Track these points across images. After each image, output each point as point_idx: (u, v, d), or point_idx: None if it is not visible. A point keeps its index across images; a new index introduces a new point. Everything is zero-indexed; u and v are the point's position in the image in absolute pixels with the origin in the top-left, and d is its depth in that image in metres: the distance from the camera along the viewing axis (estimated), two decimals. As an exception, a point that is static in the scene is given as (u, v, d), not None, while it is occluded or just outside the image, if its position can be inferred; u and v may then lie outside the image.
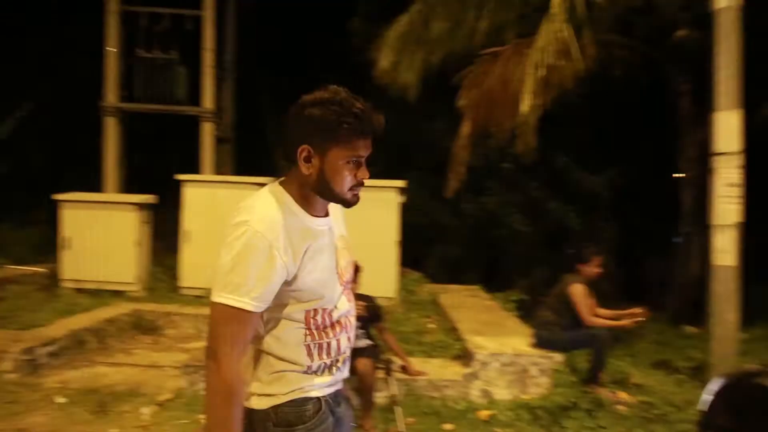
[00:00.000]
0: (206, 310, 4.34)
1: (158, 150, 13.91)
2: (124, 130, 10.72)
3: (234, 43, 12.98)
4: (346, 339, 1.60)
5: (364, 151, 1.48)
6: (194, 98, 10.72)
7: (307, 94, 1.51)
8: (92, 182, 9.96)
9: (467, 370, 4.38)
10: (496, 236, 8.51)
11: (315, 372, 1.53)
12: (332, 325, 1.55)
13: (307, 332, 1.51)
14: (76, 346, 5.06)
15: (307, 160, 1.47)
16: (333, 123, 1.42)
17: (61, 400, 4.23)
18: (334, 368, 1.57)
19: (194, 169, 10.30)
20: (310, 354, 1.52)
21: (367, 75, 8.39)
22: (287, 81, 13.46)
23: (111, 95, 10.45)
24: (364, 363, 4.03)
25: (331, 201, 1.55)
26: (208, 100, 10.65)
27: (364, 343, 4.27)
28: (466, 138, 7.28)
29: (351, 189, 1.51)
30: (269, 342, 1.51)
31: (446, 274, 8.78)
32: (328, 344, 1.54)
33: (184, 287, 7.31)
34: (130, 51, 10.52)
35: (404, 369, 4.42)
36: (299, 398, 1.51)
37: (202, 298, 6.91)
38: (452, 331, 5.33)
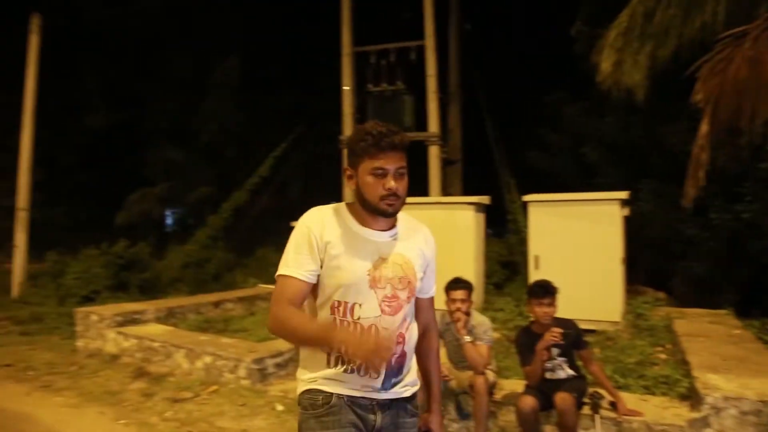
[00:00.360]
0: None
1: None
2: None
3: (457, 66, 13.30)
4: None
5: (387, 163, 1.72)
6: (422, 124, 11.21)
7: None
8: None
9: (694, 415, 3.63)
10: (757, 250, 7.04)
11: (331, 364, 1.77)
12: (354, 324, 1.76)
13: (333, 324, 1.76)
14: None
15: (350, 178, 1.81)
16: (355, 142, 1.76)
17: (279, 407, 4.68)
18: (349, 367, 1.76)
19: (424, 191, 10.73)
20: None
21: (592, 82, 7.83)
22: (511, 99, 13.32)
23: (347, 129, 11.51)
24: (563, 397, 3.62)
25: (371, 211, 1.78)
26: (433, 125, 11.02)
27: (565, 373, 3.85)
28: (705, 138, 6.21)
29: (383, 199, 1.74)
30: None
31: (694, 295, 7.58)
32: None
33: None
34: (360, 87, 11.51)
35: (614, 406, 3.86)
36: (313, 389, 1.79)
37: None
38: (683, 364, 4.51)
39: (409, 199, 6.35)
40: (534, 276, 6.34)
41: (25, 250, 11.13)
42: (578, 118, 10.13)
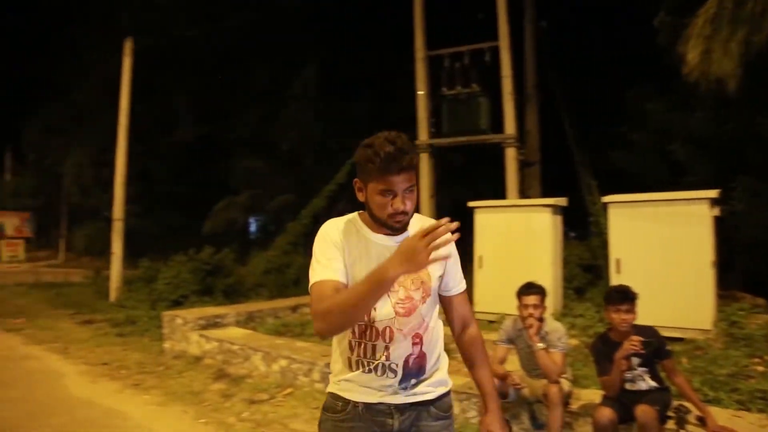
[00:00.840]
0: (495, 336, 4.26)
1: (472, 179, 14.72)
2: (436, 164, 11.64)
3: (533, 66, 12.99)
4: (383, 348, 1.79)
5: (395, 185, 1.70)
6: (498, 126, 11.02)
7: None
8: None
9: (796, 434, 3.31)
10: None
11: (352, 367, 1.82)
12: (370, 327, 1.79)
13: (352, 328, 1.80)
14: (371, 364, 5.60)
15: (360, 190, 1.80)
16: (363, 163, 1.73)
17: (351, 412, 4.70)
18: (367, 368, 1.80)
19: (501, 194, 10.53)
20: (351, 348, 1.82)
21: (678, 75, 7.43)
22: (590, 97, 12.82)
23: (422, 133, 11.52)
24: (644, 410, 3.39)
25: (379, 225, 1.79)
26: (509, 126, 10.80)
27: (647, 385, 3.62)
28: (807, 129, 5.72)
29: (391, 217, 1.74)
30: (335, 337, 1.88)
31: (799, 302, 6.96)
32: (365, 345, 1.80)
33: (478, 312, 7.44)
34: (435, 91, 11.47)
35: (703, 422, 3.58)
36: (335, 393, 1.86)
37: (494, 323, 6.93)
38: (784, 378, 4.13)
39: (485, 202, 6.27)
40: (615, 280, 6.06)
41: (121, 257, 11.88)
42: (663, 114, 9.60)
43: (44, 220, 28.39)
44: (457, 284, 1.96)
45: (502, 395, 4.01)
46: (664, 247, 6.10)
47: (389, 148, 1.67)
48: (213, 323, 7.19)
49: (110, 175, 12.85)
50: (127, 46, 12.37)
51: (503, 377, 3.96)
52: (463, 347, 1.98)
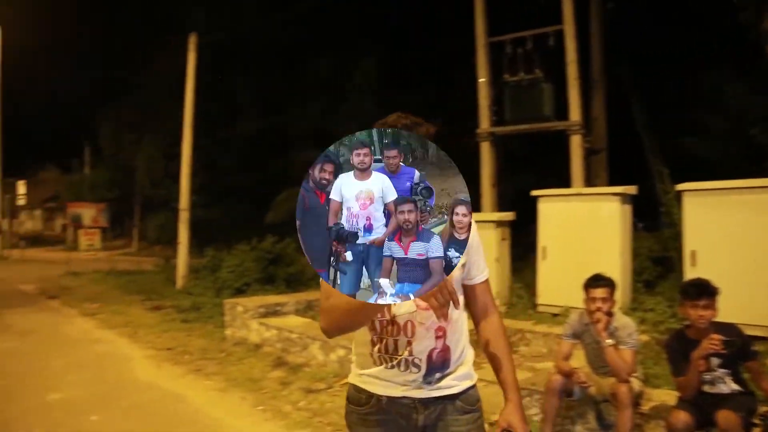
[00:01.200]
0: (559, 329, 4.06)
1: (535, 168, 14.31)
2: (498, 153, 11.34)
3: (600, 49, 12.41)
4: (405, 343, 1.73)
5: None
6: (562, 113, 10.63)
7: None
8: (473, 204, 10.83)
9: None
10: None
11: (376, 362, 1.77)
12: (391, 323, 1.73)
13: (373, 324, 1.75)
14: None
15: None
16: None
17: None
18: (390, 364, 1.75)
19: (566, 183, 10.16)
20: (372, 343, 1.78)
21: (761, 54, 6.91)
22: (662, 80, 12.16)
23: (484, 121, 11.23)
24: (726, 416, 3.12)
25: None
26: (574, 113, 10.38)
27: (728, 388, 3.33)
28: None
29: None
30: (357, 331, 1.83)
31: None
32: (387, 341, 1.75)
33: (541, 304, 7.20)
34: (497, 78, 11.15)
35: (792, 428, 3.28)
36: (358, 386, 1.83)
37: (558, 316, 6.67)
38: None
39: (549, 191, 5.99)
40: (690, 274, 5.69)
41: (188, 246, 12.26)
42: (743, 97, 8.96)
43: (119, 210, 29.81)
44: (480, 272, 1.89)
45: (567, 393, 3.82)
46: (745, 238, 5.66)
47: (405, 120, 1.70)
48: (273, 311, 7.28)
49: (178, 168, 13.26)
50: (192, 42, 12.68)
51: (568, 374, 3.77)
52: (485, 337, 1.90)
